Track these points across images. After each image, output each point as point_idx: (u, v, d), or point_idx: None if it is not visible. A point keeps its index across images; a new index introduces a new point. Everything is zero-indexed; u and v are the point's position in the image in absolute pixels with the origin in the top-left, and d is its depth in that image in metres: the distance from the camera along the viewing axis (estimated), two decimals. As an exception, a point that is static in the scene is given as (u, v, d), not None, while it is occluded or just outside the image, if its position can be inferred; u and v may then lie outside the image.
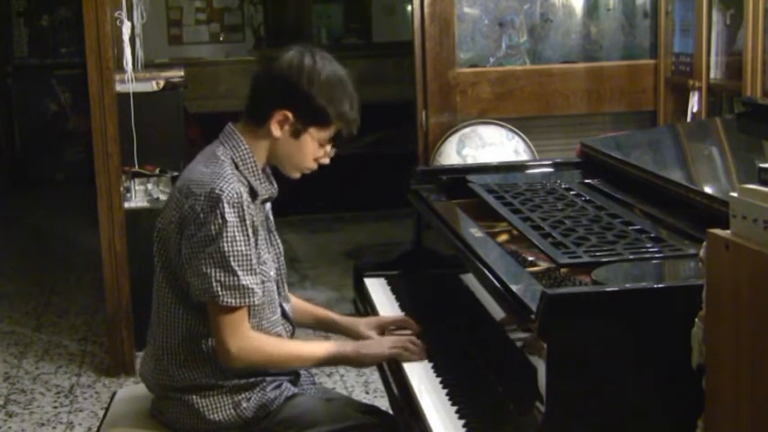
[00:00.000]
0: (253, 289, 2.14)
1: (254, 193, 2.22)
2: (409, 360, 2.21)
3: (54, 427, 3.86)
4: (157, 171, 4.63)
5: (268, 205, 2.35)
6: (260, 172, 2.24)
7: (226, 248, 2.11)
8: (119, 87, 4.38)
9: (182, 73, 5.11)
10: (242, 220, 2.12)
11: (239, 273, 2.12)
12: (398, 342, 2.25)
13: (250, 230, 2.14)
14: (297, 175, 2.29)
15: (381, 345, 2.27)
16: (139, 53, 4.98)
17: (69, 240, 6.88)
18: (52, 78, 8.84)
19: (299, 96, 2.16)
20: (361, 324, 2.45)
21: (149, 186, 4.60)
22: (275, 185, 2.31)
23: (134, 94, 4.43)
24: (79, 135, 8.51)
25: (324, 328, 2.56)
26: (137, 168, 4.56)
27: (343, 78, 2.21)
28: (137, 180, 4.60)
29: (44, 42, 8.88)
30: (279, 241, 2.39)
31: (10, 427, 3.86)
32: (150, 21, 5.21)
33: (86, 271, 5.93)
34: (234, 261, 2.11)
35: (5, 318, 5.24)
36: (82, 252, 6.38)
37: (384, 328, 2.42)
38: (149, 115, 4.59)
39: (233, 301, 2.13)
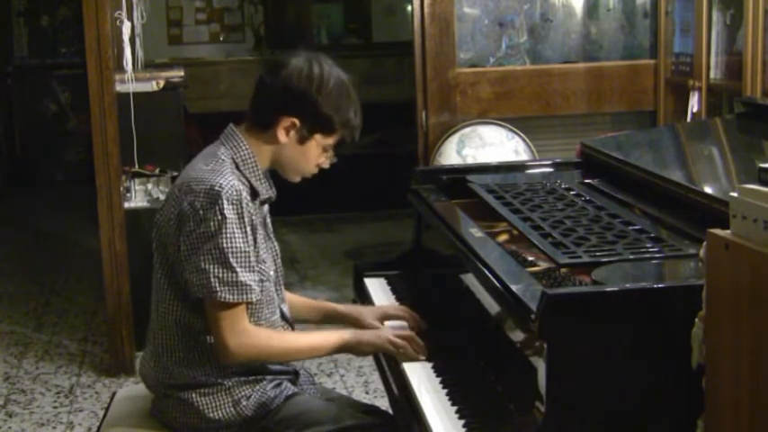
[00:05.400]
0: (250, 286, 2.15)
1: (254, 193, 2.24)
2: (406, 358, 2.21)
3: (54, 427, 3.86)
4: (157, 171, 4.63)
5: (266, 208, 2.36)
6: (261, 173, 2.26)
7: (224, 245, 2.12)
8: (119, 87, 4.38)
9: (182, 73, 5.11)
10: (240, 217, 2.14)
11: (237, 269, 2.13)
12: (400, 336, 2.26)
13: (249, 228, 2.16)
14: (297, 179, 2.32)
15: (381, 336, 2.27)
16: (139, 53, 4.99)
17: (69, 240, 6.88)
18: (52, 78, 8.85)
19: (308, 105, 2.19)
20: (365, 313, 2.47)
21: (149, 186, 4.60)
22: (274, 189, 2.32)
23: (134, 94, 4.43)
24: (79, 135, 8.50)
25: (327, 320, 2.57)
26: (137, 168, 4.56)
27: (349, 86, 2.24)
28: (137, 180, 4.60)
29: (44, 42, 8.88)
30: (276, 245, 2.40)
31: (10, 428, 3.86)
32: (150, 21, 5.22)
33: (86, 271, 5.93)
34: (232, 257, 2.13)
35: (5, 318, 5.25)
36: (82, 252, 6.38)
37: (388, 319, 2.45)
38: (149, 115, 4.59)
39: (231, 297, 2.14)
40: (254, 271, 2.17)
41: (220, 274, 2.12)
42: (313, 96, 2.18)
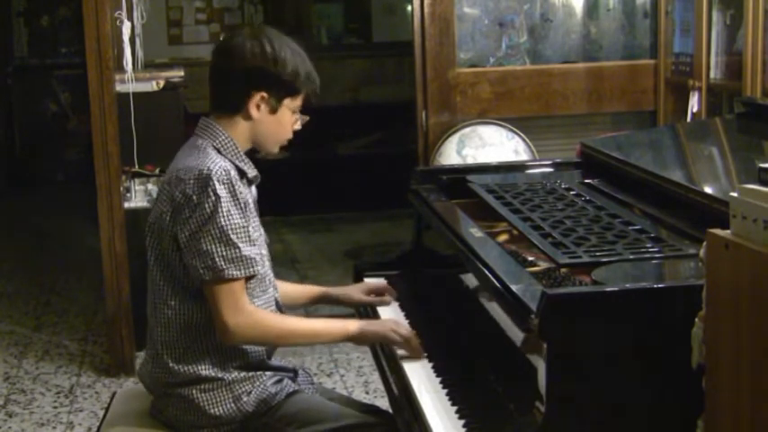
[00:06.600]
0: (255, 258, 2.20)
1: (241, 173, 2.29)
2: (410, 352, 2.22)
3: (54, 427, 3.86)
4: (157, 171, 4.63)
5: (254, 190, 2.40)
6: (242, 155, 2.32)
7: (223, 223, 2.16)
8: (119, 87, 4.38)
9: (182, 73, 5.11)
10: (233, 194, 2.19)
11: (240, 244, 2.17)
12: (404, 329, 2.27)
13: (242, 204, 2.20)
14: (276, 150, 2.41)
15: (385, 325, 2.30)
16: (139, 53, 4.99)
17: (69, 240, 6.88)
18: (52, 78, 8.85)
19: (271, 77, 2.29)
20: (352, 290, 2.59)
21: (149, 186, 4.60)
22: (256, 170, 2.38)
23: (134, 94, 4.43)
24: (79, 135, 8.50)
25: (319, 302, 2.65)
26: (137, 168, 4.56)
27: (296, 48, 2.35)
28: (137, 180, 4.60)
29: (44, 42, 8.88)
30: (263, 231, 2.42)
31: (10, 427, 3.86)
32: (150, 21, 5.21)
33: (86, 271, 5.93)
34: (233, 234, 2.17)
35: (5, 318, 5.25)
36: (82, 252, 6.38)
37: (374, 292, 2.59)
38: (149, 115, 4.59)
39: (237, 272, 2.17)
40: (254, 244, 2.22)
41: (224, 253, 2.16)
42: (272, 69, 2.28)
